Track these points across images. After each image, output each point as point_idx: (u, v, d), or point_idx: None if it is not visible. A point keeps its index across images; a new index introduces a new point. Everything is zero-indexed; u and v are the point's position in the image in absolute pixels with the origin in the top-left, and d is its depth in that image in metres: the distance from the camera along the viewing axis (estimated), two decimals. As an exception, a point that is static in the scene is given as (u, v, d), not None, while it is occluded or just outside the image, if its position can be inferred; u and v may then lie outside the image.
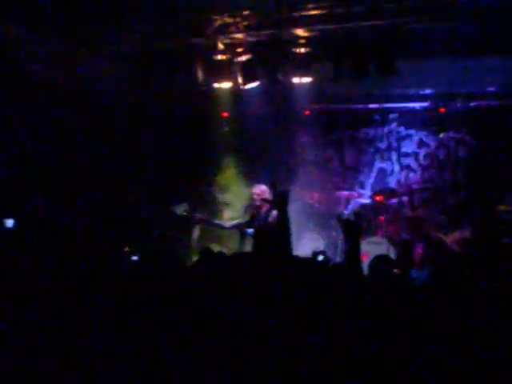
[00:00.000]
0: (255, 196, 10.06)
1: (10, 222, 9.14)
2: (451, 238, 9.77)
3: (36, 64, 10.30)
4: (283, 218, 5.41)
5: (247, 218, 10.33)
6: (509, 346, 3.81)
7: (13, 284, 4.89)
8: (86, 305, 4.48)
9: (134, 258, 7.15)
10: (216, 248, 10.72)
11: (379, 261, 5.88)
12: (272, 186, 5.71)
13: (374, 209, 12.73)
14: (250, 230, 9.80)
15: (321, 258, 7.08)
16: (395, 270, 6.01)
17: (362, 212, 12.47)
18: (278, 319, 4.07)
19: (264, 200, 9.44)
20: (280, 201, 5.54)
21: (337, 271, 5.33)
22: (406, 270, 6.80)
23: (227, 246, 11.36)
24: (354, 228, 5.61)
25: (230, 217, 12.36)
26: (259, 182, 10.53)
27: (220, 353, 3.91)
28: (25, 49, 9.92)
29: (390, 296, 4.82)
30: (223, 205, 13.26)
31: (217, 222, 10.98)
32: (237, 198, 12.93)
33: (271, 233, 9.64)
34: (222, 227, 10.95)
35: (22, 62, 10.22)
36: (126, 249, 7.86)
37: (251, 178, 12.23)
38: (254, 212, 10.15)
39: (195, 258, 8.13)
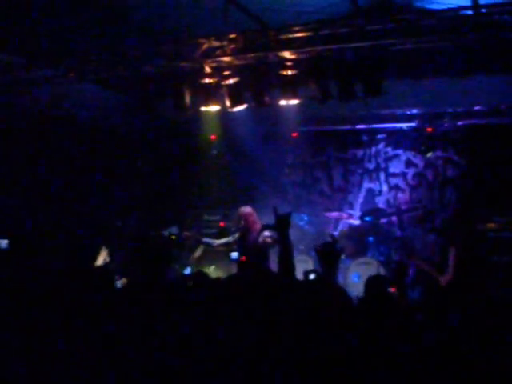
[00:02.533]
0: (241, 217, 10.15)
1: (3, 243, 9.14)
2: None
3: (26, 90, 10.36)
4: (285, 241, 5.45)
5: (235, 237, 10.38)
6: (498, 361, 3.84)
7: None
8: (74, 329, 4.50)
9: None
10: (211, 269, 10.77)
11: (375, 281, 5.89)
12: (274, 210, 5.74)
13: (363, 229, 12.76)
14: (234, 255, 9.86)
15: (312, 276, 7.10)
16: (391, 290, 6.03)
17: (349, 237, 12.56)
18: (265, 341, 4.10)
19: (265, 225, 9.52)
20: (282, 224, 5.59)
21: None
22: (403, 290, 6.84)
23: (224, 267, 11.42)
24: (331, 254, 5.65)
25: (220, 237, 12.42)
26: (247, 203, 10.62)
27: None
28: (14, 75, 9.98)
29: (388, 315, 4.85)
30: (213, 226, 13.29)
31: (205, 239, 11.00)
32: (226, 219, 12.96)
33: (261, 253, 9.73)
34: (210, 245, 10.98)
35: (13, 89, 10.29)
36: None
37: (239, 199, 12.26)
38: (242, 232, 10.22)
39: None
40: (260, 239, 9.81)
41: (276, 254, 9.96)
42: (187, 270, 9.56)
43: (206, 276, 5.92)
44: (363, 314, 4.79)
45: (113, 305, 5.08)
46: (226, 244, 10.69)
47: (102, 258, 8.37)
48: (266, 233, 9.89)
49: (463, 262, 9.23)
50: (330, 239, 5.75)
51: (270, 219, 11.30)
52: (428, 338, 4.27)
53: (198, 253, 12.18)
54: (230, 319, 4.45)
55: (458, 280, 9.07)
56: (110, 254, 8.84)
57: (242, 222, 10.22)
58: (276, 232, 5.63)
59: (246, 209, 10.38)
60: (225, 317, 4.49)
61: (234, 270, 10.48)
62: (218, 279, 5.79)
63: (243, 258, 9.73)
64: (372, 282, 5.86)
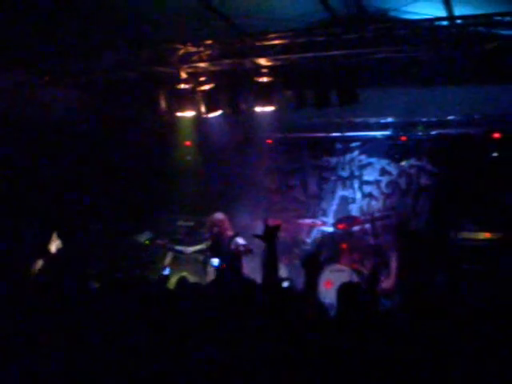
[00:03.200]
0: (214, 224, 10.20)
1: None
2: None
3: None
4: (272, 252, 5.52)
5: (208, 244, 10.39)
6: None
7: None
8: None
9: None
10: (184, 273, 10.76)
11: (348, 288, 5.93)
12: (264, 221, 5.82)
13: (336, 237, 12.79)
14: (216, 262, 9.84)
15: (286, 284, 7.13)
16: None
17: (322, 244, 12.61)
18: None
19: (255, 235, 9.59)
20: (269, 235, 5.66)
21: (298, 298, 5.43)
22: (375, 297, 6.88)
23: (196, 273, 11.39)
24: (315, 264, 5.71)
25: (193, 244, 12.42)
26: (221, 210, 10.64)
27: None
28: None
29: (360, 322, 4.90)
30: (186, 232, 13.28)
31: (178, 247, 11.01)
32: (199, 226, 12.92)
33: (234, 260, 9.78)
34: (183, 253, 11.00)
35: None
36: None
37: (213, 205, 12.22)
38: (214, 239, 10.24)
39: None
40: (232, 246, 9.85)
41: (248, 263, 10.05)
42: (166, 271, 9.57)
43: (188, 283, 5.96)
44: (340, 326, 4.83)
45: (89, 306, 5.09)
46: (199, 251, 10.70)
47: (54, 245, 8.27)
48: (239, 240, 9.93)
49: (407, 267, 9.40)
50: (310, 248, 5.81)
51: (246, 224, 11.37)
52: (405, 344, 4.32)
53: (168, 259, 12.16)
54: (214, 325, 4.48)
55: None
56: (62, 240, 8.76)
57: (216, 229, 10.23)
58: (264, 242, 5.68)
59: (219, 215, 10.41)
60: (209, 323, 4.52)
61: (204, 274, 10.44)
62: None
63: (224, 265, 9.75)
64: (344, 290, 5.89)
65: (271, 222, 5.96)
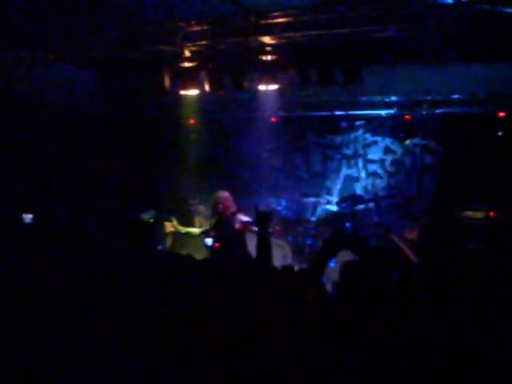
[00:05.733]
0: (219, 201, 10.19)
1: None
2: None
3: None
4: (264, 237, 5.54)
5: (212, 223, 10.39)
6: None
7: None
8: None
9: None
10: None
11: (349, 266, 5.93)
12: (255, 208, 5.85)
13: (340, 215, 12.81)
14: (209, 241, 9.85)
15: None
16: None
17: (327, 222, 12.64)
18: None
19: (246, 222, 9.59)
20: (262, 221, 5.69)
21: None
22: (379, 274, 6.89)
23: (200, 254, 11.40)
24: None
25: (200, 222, 12.46)
26: (225, 188, 10.64)
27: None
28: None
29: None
30: (192, 211, 13.31)
31: (185, 230, 11.02)
32: (205, 204, 12.93)
33: (236, 239, 9.81)
34: (191, 234, 11.01)
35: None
36: None
37: (218, 184, 12.23)
38: (217, 218, 10.23)
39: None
40: (237, 225, 9.84)
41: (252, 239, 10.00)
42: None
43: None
44: (339, 303, 4.84)
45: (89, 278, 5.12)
46: (205, 231, 10.67)
47: None
48: (242, 217, 9.92)
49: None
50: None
51: (249, 203, 11.36)
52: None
53: (168, 241, 12.16)
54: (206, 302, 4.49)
55: None
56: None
57: (220, 206, 10.20)
58: (257, 227, 5.75)
59: (223, 193, 10.37)
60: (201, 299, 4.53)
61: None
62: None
63: (217, 244, 9.74)
64: (346, 268, 5.89)
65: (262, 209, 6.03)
